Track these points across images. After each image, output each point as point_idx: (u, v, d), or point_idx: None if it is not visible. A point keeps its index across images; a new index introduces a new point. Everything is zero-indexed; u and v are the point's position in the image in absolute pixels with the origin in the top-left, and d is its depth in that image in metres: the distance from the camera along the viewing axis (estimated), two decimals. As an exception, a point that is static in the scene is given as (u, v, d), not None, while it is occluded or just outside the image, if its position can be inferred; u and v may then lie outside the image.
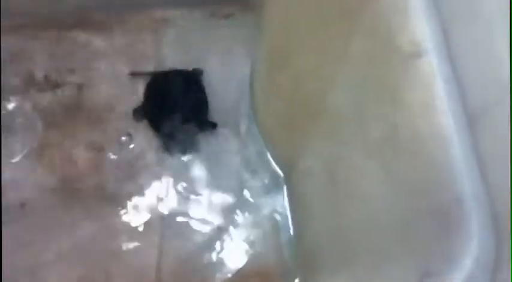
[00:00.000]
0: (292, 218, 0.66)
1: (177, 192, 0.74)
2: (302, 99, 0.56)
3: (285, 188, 0.69)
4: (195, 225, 0.72)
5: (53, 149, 0.75)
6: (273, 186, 0.70)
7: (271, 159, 0.70)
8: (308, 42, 0.52)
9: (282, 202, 0.69)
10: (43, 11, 0.81)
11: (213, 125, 0.76)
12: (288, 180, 0.67)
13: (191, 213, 0.72)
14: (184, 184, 0.74)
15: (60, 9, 0.81)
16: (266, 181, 0.71)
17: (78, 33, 0.82)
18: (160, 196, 0.73)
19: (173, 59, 0.81)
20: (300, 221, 0.63)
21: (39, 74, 0.79)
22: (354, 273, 0.47)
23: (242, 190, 0.72)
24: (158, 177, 0.75)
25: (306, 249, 0.59)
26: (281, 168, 0.69)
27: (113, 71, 0.80)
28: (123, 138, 0.77)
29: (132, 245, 0.71)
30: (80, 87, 0.79)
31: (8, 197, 0.71)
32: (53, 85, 0.78)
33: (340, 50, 0.44)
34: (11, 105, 0.77)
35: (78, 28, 0.82)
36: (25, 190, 0.72)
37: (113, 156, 0.76)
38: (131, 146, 0.76)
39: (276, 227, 0.68)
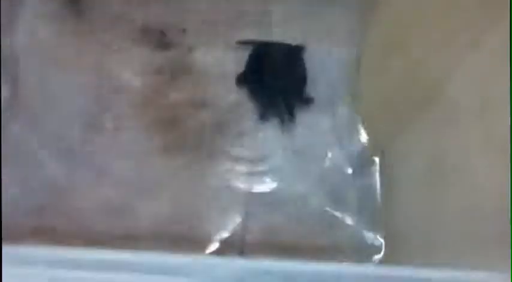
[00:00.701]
0: (381, 199, 0.68)
1: (268, 160, 0.77)
2: (416, 85, 0.57)
3: (376, 169, 0.70)
4: (283, 194, 0.75)
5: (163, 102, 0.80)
6: (364, 167, 0.72)
7: (365, 140, 0.72)
8: (432, 31, 0.52)
9: (371, 181, 0.71)
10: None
11: (310, 100, 0.79)
12: (381, 162, 0.68)
13: (279, 182, 0.76)
14: (273, 152, 0.77)
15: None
16: (357, 160, 0.73)
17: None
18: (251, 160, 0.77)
19: (278, 32, 0.84)
20: (390, 202, 0.64)
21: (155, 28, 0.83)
22: (442, 256, 0.49)
23: (331, 166, 0.75)
24: (251, 144, 0.78)
25: (392, 228, 0.62)
26: (374, 150, 0.70)
27: (221, 37, 0.84)
28: (224, 101, 0.81)
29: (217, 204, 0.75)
30: (190, 49, 0.84)
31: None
32: (166, 43, 0.83)
33: (471, 41, 0.45)
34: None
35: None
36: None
37: (211, 117, 0.80)
38: (230, 110, 0.80)
39: (363, 206, 0.71)
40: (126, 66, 0.82)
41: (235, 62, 0.82)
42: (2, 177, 0.67)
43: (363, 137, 0.74)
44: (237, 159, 0.76)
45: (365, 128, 0.72)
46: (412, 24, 0.56)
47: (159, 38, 0.83)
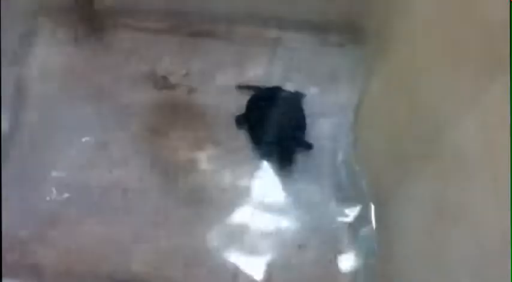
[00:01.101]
0: (379, 243, 0.67)
1: (263, 204, 0.76)
2: (418, 133, 0.58)
3: (372, 213, 0.70)
4: (275, 240, 0.73)
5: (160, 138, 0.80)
6: (363, 213, 0.71)
7: (364, 186, 0.71)
8: (440, 77, 0.53)
9: (370, 226, 0.71)
10: (173, 17, 0.88)
11: (309, 146, 0.78)
12: (380, 205, 0.68)
13: (272, 227, 0.74)
14: (271, 198, 0.76)
15: (190, 18, 0.89)
16: (355, 205, 0.73)
17: (198, 40, 0.88)
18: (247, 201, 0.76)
19: (279, 78, 0.85)
20: (388, 244, 0.63)
21: (159, 73, 0.85)
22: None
23: (329, 212, 0.74)
24: (247, 186, 0.77)
25: (391, 267, 0.60)
26: (374, 195, 0.70)
27: (223, 79, 0.85)
28: (222, 142, 0.80)
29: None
30: (190, 90, 0.85)
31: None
32: (168, 85, 0.84)
33: (478, 87, 0.45)
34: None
35: (198, 35, 0.89)
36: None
37: (209, 157, 0.79)
38: (228, 150, 0.80)
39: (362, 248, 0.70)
40: (130, 101, 0.83)
41: (236, 104, 0.82)
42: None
43: (363, 183, 0.73)
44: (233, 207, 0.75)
45: (365, 174, 0.71)
46: (419, 70, 0.58)
47: (162, 81, 0.85)
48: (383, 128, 0.65)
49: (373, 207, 0.72)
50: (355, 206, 0.74)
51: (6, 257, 0.68)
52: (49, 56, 0.87)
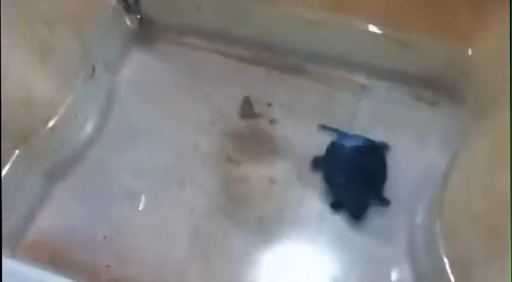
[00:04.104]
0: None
1: (325, 249, 0.72)
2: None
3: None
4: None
5: (235, 165, 0.80)
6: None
7: (442, 259, 0.65)
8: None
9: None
10: (260, 47, 0.89)
11: (386, 202, 0.73)
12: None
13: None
14: (334, 246, 0.72)
15: (278, 51, 0.89)
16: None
17: (286, 74, 0.88)
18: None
19: (364, 125, 0.82)
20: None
21: (245, 101, 0.85)
22: None
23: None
24: (313, 226, 0.74)
25: None
26: (453, 269, 0.63)
27: (305, 117, 0.83)
28: (294, 178, 0.78)
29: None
30: (271, 121, 0.83)
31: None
32: (251, 113, 0.84)
33: None
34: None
35: (286, 69, 0.88)
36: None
37: (279, 190, 0.77)
38: (299, 190, 0.77)
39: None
40: (211, 123, 0.84)
41: (315, 144, 0.80)
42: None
43: (441, 255, 0.66)
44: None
45: (445, 247, 0.65)
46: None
47: (247, 109, 0.85)
48: (478, 197, 0.59)
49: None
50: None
51: (70, 255, 0.70)
52: (142, 68, 0.91)
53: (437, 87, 0.83)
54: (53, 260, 0.71)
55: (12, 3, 0.64)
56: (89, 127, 0.82)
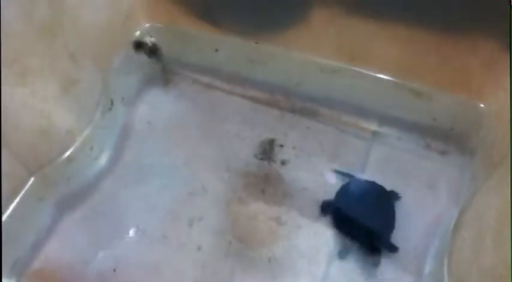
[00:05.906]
0: None
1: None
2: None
3: None
4: None
5: (243, 204, 0.80)
6: None
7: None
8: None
9: None
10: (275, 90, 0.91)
11: (394, 249, 0.73)
12: None
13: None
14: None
15: (291, 95, 0.91)
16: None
17: (299, 117, 0.90)
18: None
19: (374, 172, 0.82)
20: None
21: (260, 142, 0.87)
22: None
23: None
24: (322, 276, 0.73)
25: None
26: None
27: (316, 159, 0.84)
28: (302, 220, 0.78)
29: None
30: (283, 162, 0.84)
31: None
32: (266, 154, 0.85)
33: None
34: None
35: (299, 112, 0.90)
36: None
37: (287, 233, 0.77)
38: (308, 232, 0.77)
39: None
40: (224, 163, 0.85)
41: (324, 187, 0.81)
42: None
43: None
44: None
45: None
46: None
47: (262, 150, 0.86)
48: (489, 251, 0.59)
49: None
50: None
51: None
52: (158, 105, 0.93)
53: (448, 137, 0.84)
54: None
55: (44, 42, 0.67)
56: (103, 159, 0.83)
